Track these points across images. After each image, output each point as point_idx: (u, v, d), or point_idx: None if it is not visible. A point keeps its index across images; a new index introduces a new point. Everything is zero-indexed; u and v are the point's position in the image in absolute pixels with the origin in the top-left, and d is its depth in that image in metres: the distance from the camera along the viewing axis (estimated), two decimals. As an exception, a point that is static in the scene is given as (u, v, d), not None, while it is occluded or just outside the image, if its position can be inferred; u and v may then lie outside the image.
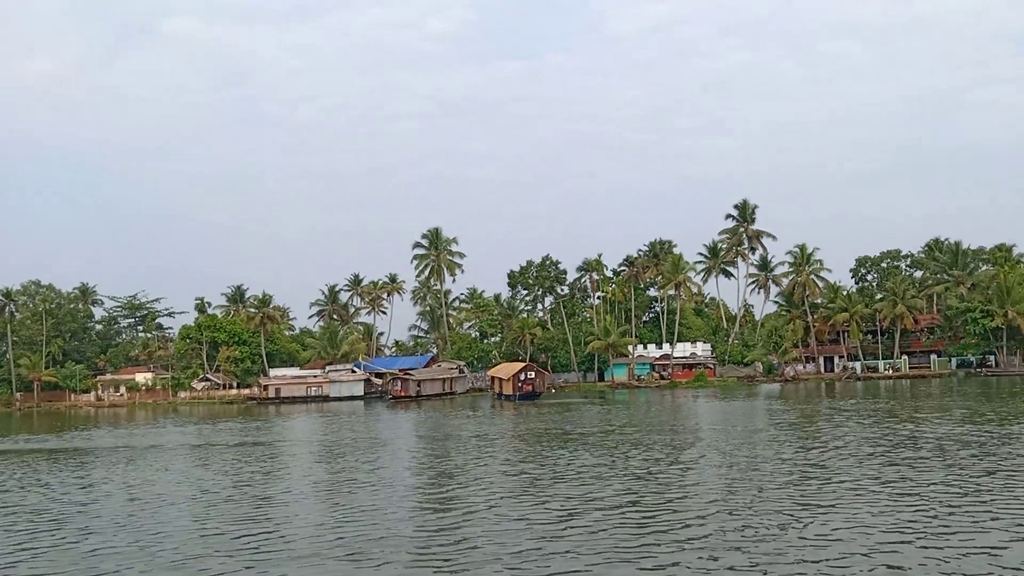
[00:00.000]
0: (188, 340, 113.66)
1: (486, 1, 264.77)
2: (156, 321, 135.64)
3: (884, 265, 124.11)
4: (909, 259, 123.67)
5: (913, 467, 27.27)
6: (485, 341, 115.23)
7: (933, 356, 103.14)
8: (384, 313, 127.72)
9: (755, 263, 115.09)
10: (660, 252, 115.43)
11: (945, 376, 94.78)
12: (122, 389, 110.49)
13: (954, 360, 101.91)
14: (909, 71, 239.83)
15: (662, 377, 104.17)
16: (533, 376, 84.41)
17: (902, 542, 17.62)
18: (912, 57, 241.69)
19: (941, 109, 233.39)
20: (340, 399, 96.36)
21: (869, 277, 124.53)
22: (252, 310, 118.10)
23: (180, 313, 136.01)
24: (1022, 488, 22.84)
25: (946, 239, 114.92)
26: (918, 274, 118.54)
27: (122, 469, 35.88)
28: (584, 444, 38.66)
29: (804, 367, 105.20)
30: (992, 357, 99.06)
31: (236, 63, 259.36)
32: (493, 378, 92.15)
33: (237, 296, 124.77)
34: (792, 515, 20.59)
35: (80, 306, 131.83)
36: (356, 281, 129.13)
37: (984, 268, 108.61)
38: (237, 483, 30.13)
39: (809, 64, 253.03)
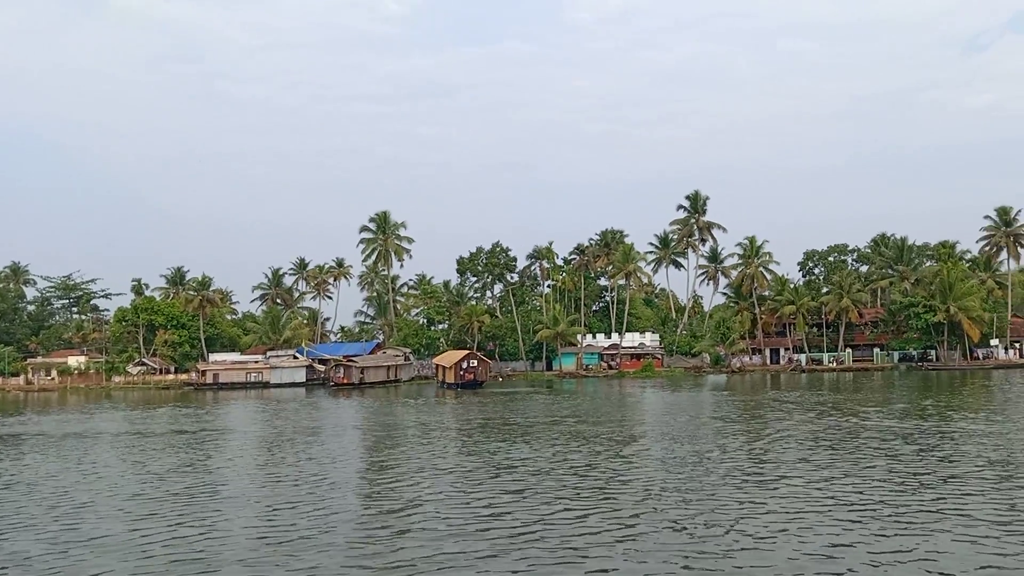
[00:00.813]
0: (124, 323, 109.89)
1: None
2: (91, 303, 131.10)
3: (831, 259, 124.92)
4: (855, 253, 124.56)
5: (856, 465, 26.60)
6: (432, 328, 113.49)
7: (876, 350, 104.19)
8: (330, 298, 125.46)
9: (705, 255, 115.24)
10: (611, 242, 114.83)
11: (887, 370, 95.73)
12: (53, 373, 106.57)
13: (896, 354, 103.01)
14: (862, 72, 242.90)
15: (610, 367, 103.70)
16: (476, 365, 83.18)
17: (839, 544, 16.79)
18: (864, 58, 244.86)
19: (891, 110, 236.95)
20: (281, 386, 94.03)
21: (816, 271, 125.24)
22: (191, 292, 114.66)
23: (117, 295, 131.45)
24: (963, 490, 22.22)
25: (892, 235, 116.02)
26: (864, 268, 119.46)
27: (34, 460, 33.71)
28: (526, 436, 37.52)
29: (751, 359, 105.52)
30: (933, 352, 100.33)
31: (188, 40, 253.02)
32: (438, 366, 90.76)
33: (177, 278, 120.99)
34: (732, 516, 19.70)
35: (11, 285, 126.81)
36: (302, 265, 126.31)
37: (928, 264, 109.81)
38: (162, 476, 28.34)
39: (764, 61, 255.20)
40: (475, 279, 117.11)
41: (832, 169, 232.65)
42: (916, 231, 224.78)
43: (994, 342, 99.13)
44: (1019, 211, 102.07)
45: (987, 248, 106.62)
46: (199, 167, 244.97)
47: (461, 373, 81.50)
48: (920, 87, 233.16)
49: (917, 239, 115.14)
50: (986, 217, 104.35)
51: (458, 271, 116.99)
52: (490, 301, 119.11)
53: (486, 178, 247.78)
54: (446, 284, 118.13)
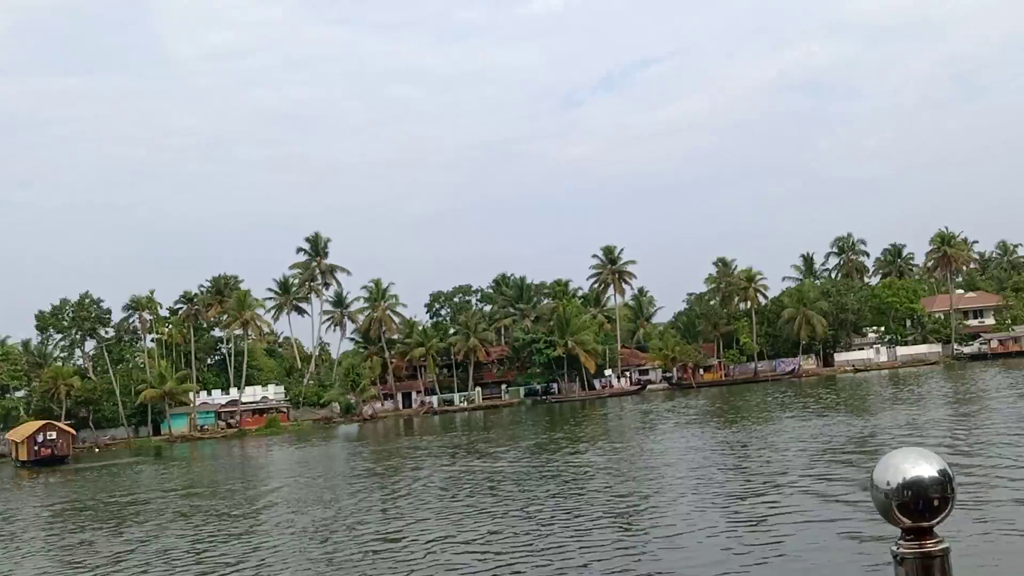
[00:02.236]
0: None
1: (26, 6, 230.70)
2: None
3: (456, 300, 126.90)
4: (479, 293, 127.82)
5: (493, 514, 23.89)
6: (7, 396, 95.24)
7: (504, 386, 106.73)
8: None
9: (330, 299, 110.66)
10: (224, 288, 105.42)
11: (515, 405, 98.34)
12: None
13: (523, 389, 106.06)
14: (468, 120, 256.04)
15: (229, 425, 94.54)
16: (55, 437, 70.36)
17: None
18: (470, 107, 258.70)
19: (502, 157, 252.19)
20: None
21: (443, 312, 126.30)
22: None
23: None
24: (598, 532, 20.31)
25: (511, 274, 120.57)
26: (488, 308, 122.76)
27: None
28: (118, 521, 30.64)
29: (383, 404, 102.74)
30: (555, 384, 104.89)
31: None
32: (11, 442, 75.81)
33: None
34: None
35: None
36: None
37: (546, 302, 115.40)
38: None
39: (375, 106, 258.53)
40: (60, 336, 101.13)
41: (450, 213, 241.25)
42: (534, 270, 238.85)
43: (608, 372, 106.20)
44: (622, 250, 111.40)
45: (596, 285, 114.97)
46: None
47: (36, 448, 68.50)
48: (527, 137, 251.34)
49: (535, 278, 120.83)
50: (594, 256, 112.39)
51: (38, 327, 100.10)
52: (81, 361, 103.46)
53: (77, 220, 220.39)
54: (25, 344, 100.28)
